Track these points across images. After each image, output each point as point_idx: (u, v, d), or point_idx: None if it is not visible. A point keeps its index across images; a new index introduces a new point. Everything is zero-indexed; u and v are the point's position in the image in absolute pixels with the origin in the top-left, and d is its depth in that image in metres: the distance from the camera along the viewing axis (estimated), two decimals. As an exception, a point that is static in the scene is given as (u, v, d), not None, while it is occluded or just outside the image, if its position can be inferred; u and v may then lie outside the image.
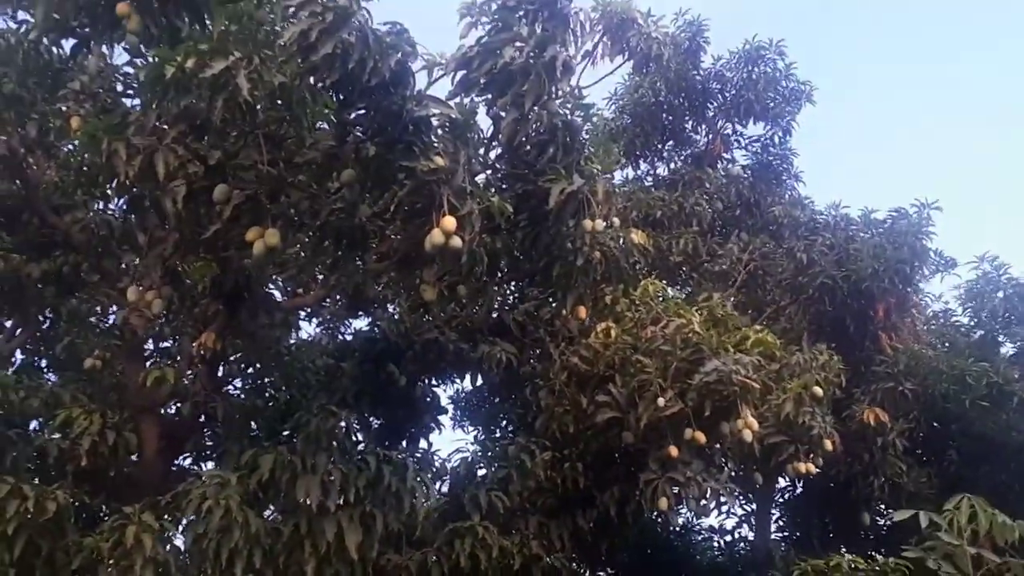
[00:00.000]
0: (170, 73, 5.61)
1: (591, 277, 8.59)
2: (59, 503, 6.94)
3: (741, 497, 12.58)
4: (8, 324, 9.63)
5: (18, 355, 9.95)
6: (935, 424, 12.40)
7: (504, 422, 11.65)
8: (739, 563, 13.30)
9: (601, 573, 10.98)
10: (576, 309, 8.94)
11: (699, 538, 14.34)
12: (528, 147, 8.16)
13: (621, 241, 10.81)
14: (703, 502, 8.87)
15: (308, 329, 11.26)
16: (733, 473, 9.22)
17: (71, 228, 8.26)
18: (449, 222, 6.03)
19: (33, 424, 8.68)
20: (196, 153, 6.18)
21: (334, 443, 8.06)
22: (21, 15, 8.16)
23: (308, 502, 7.60)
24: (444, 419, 11.64)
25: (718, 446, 9.04)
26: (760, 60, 14.30)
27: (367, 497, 7.70)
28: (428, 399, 11.33)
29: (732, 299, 11.87)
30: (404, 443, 11.27)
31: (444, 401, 12.09)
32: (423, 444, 11.30)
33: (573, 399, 9.86)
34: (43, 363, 10.51)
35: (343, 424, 8.16)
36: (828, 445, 9.48)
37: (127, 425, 8.04)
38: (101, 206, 8.80)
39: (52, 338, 10.02)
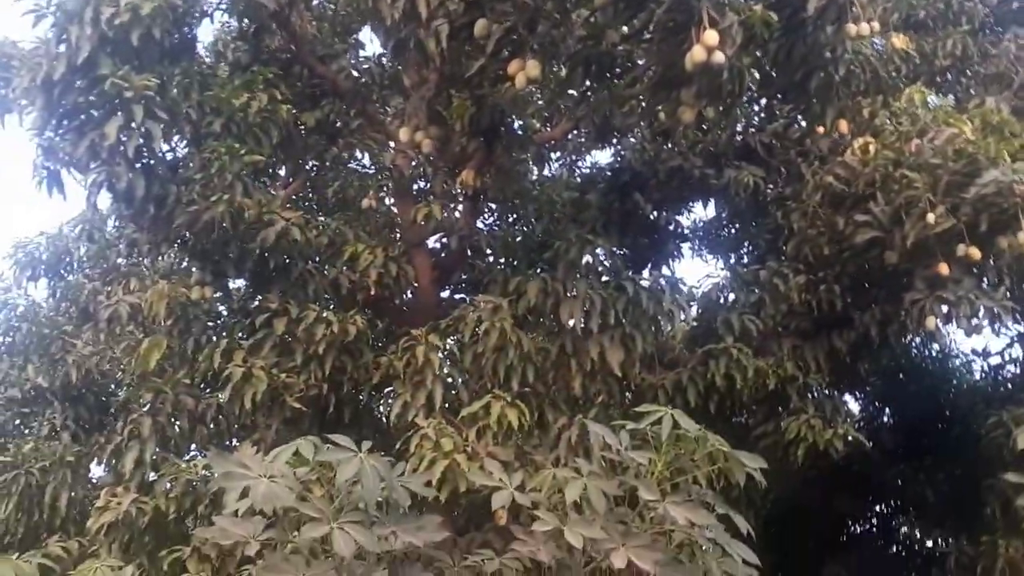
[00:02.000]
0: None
1: (853, 88, 8.09)
2: (358, 327, 7.81)
3: (1018, 315, 11.81)
4: (282, 172, 10.56)
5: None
6: None
7: (751, 248, 11.50)
8: (1005, 386, 12.67)
9: (857, 393, 10.85)
10: (837, 123, 8.51)
11: (958, 362, 13.74)
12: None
13: (880, 47, 10.08)
14: (975, 321, 8.46)
15: (555, 162, 11.50)
16: (1009, 292, 8.64)
17: (337, 76, 8.81)
18: (711, 36, 5.84)
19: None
20: (455, -10, 6.32)
21: (590, 271, 8.40)
22: None
23: (572, 324, 8.07)
24: (687, 247, 11.72)
25: (992, 263, 8.50)
26: None
27: (626, 319, 8.06)
28: (672, 227, 11.40)
29: (1010, 104, 10.75)
30: (649, 270, 11.53)
31: (687, 229, 12.07)
32: (667, 272, 11.54)
33: (828, 220, 9.53)
34: (315, 207, 11.53)
35: (599, 252, 8.45)
36: None
37: (403, 258, 8.76)
38: (362, 54, 9.26)
39: (321, 183, 10.92)
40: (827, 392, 9.91)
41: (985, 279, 8.76)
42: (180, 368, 8.67)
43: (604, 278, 8.40)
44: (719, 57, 5.89)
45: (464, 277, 10.34)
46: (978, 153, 8.36)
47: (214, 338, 8.42)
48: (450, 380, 7.80)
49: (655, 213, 10.78)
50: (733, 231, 11.77)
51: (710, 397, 9.31)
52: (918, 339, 12.13)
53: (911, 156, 8.81)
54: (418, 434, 7.06)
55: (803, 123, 8.93)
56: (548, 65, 7.64)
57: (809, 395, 9.71)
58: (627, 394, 9.18)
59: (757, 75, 8.37)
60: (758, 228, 11.14)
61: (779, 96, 8.55)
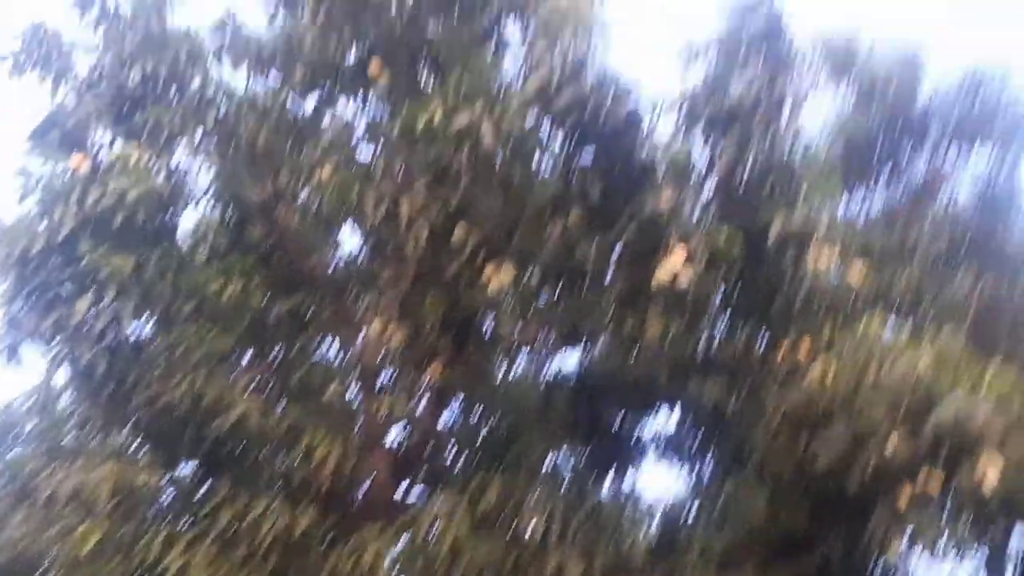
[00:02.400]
0: (422, 125, 6.07)
1: (813, 314, 8.37)
2: (308, 521, 7.52)
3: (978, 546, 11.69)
4: (247, 357, 10.50)
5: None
6: None
7: (716, 461, 11.43)
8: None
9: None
10: (798, 347, 8.71)
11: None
12: (747, 182, 8.14)
13: (839, 275, 10.53)
14: (937, 551, 8.33)
15: (521, 364, 11.56)
16: (969, 522, 8.55)
17: (315, 268, 8.98)
18: (676, 260, 6.11)
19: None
20: (437, 197, 6.59)
21: (552, 475, 8.28)
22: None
23: (530, 532, 7.82)
24: (652, 455, 11.62)
25: (953, 493, 8.46)
26: (983, 87, 13.47)
27: (587, 529, 7.84)
28: (636, 435, 11.35)
29: (965, 336, 11.13)
30: (611, 478, 11.35)
31: (650, 437, 12.00)
32: (629, 480, 11.37)
33: (789, 442, 9.56)
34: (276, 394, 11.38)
35: (563, 457, 8.36)
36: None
37: (361, 452, 8.57)
38: (342, 249, 9.50)
39: (285, 371, 10.82)
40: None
41: (948, 509, 8.69)
42: (116, 555, 8.20)
43: (566, 485, 8.24)
44: (684, 279, 6.12)
45: (424, 473, 10.10)
46: (936, 382, 8.55)
47: (156, 525, 8.03)
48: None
49: (620, 420, 10.74)
50: (697, 442, 11.69)
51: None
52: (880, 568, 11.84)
53: (871, 382, 8.99)
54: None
55: (769, 343, 9.07)
56: (521, 273, 7.89)
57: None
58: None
59: (722, 292, 8.70)
60: (722, 441, 11.13)
61: (741, 315, 8.77)
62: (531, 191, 6.89)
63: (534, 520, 7.69)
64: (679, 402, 10.77)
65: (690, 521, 9.82)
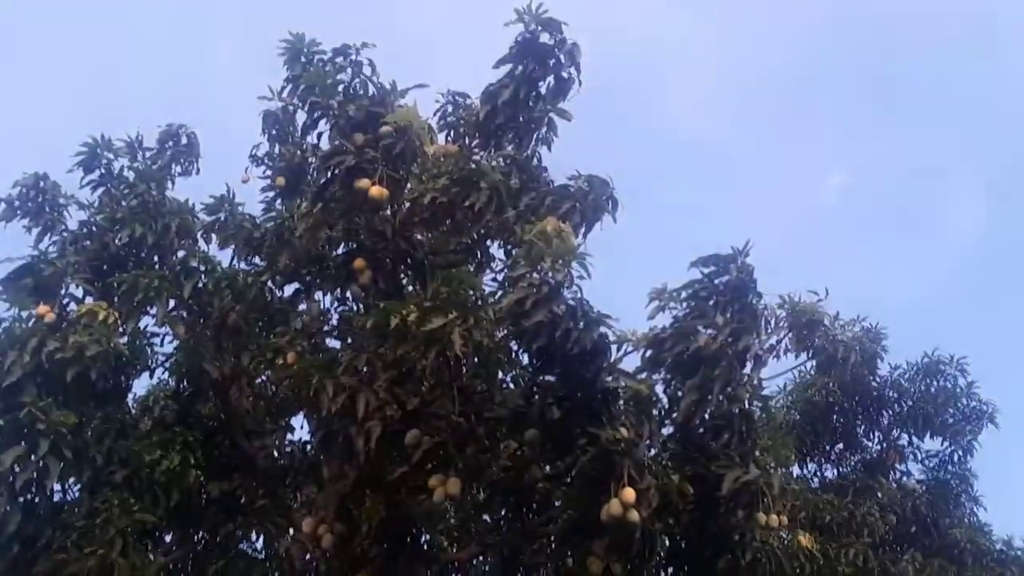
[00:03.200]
0: (394, 323, 6.15)
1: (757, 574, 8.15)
2: None
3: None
4: (168, 537, 9.94)
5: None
6: None
7: None
8: None
9: None
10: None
11: None
12: (703, 430, 8.19)
13: (787, 542, 10.35)
14: None
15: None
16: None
17: (258, 453, 8.72)
18: (629, 493, 6.01)
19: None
20: (396, 397, 6.55)
21: None
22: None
23: None
24: None
25: None
26: (939, 374, 14.05)
27: None
28: None
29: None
30: None
31: None
32: None
33: None
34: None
35: None
36: None
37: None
38: (288, 436, 9.29)
39: (205, 558, 10.23)
40: None
41: None
42: None
43: None
44: (634, 515, 6.01)
45: None
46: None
47: None
48: None
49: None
50: None
51: None
52: None
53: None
54: None
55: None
56: (468, 486, 7.69)
57: None
58: None
59: (667, 543, 8.50)
60: None
61: (687, 563, 8.50)
62: (491, 404, 6.87)
63: None
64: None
65: None
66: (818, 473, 15.01)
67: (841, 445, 15.28)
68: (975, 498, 14.71)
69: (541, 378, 6.65)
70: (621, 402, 6.80)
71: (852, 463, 15.23)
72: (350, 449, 6.93)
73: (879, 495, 13.40)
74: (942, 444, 14.62)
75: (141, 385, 9.22)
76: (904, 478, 14.64)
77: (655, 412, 8.08)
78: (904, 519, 13.28)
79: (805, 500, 12.90)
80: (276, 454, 9.21)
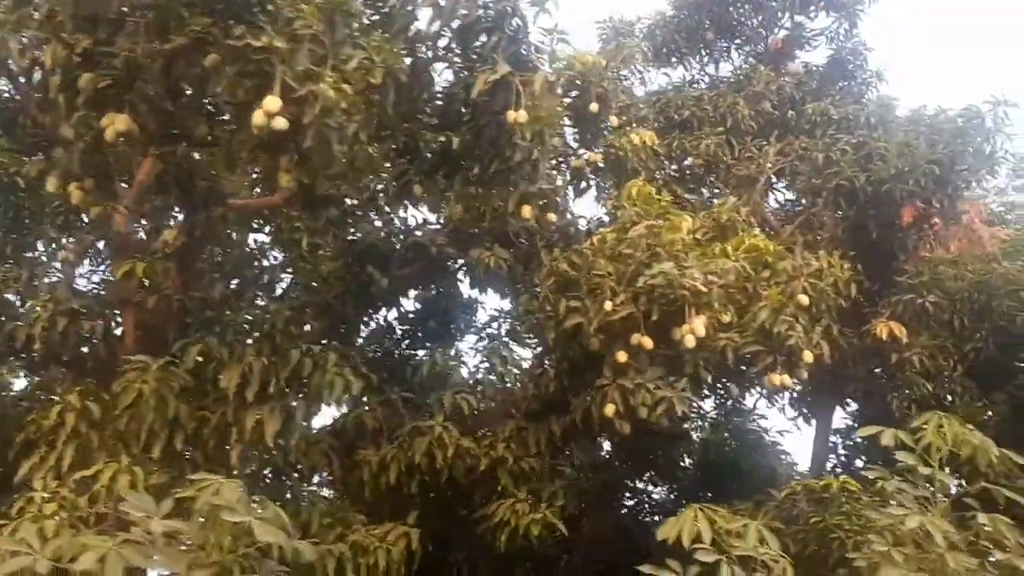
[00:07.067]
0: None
1: (534, 173, 8.25)
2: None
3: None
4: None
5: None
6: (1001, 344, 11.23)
7: (499, 329, 11.57)
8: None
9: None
10: (520, 208, 8.63)
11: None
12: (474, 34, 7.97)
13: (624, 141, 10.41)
14: (658, 410, 8.47)
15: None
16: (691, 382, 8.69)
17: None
18: (272, 102, 5.87)
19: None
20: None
21: (272, 336, 8.26)
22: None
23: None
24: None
25: (671, 353, 8.59)
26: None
27: (290, 388, 7.93)
28: (418, 303, 11.41)
29: (750, 205, 11.10)
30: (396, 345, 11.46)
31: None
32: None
33: (554, 305, 9.64)
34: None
35: (285, 316, 8.29)
36: (808, 357, 8.79)
37: (111, 316, 8.56)
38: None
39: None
40: (540, 472, 9.75)
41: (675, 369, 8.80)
42: None
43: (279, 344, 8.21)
44: (280, 123, 5.92)
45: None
46: (660, 245, 8.55)
47: None
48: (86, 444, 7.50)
49: (397, 287, 10.72)
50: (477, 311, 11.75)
51: (412, 476, 9.20)
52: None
53: (609, 247, 9.00)
54: (25, 497, 6.76)
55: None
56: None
57: (524, 479, 9.61)
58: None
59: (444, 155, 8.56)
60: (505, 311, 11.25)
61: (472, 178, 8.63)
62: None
63: (232, 379, 7.73)
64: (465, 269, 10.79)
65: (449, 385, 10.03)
66: (706, 73, 14.65)
67: (737, 40, 14.78)
68: (878, 73, 14.39)
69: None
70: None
71: (747, 57, 14.79)
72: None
73: (755, 84, 13.12)
74: (831, 21, 14.01)
75: None
76: (790, 64, 14.20)
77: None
78: (779, 104, 13.08)
79: (667, 101, 12.75)
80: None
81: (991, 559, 6.77)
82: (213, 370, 7.89)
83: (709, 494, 12.29)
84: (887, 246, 10.54)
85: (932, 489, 6.95)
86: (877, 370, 11.06)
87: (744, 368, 9.09)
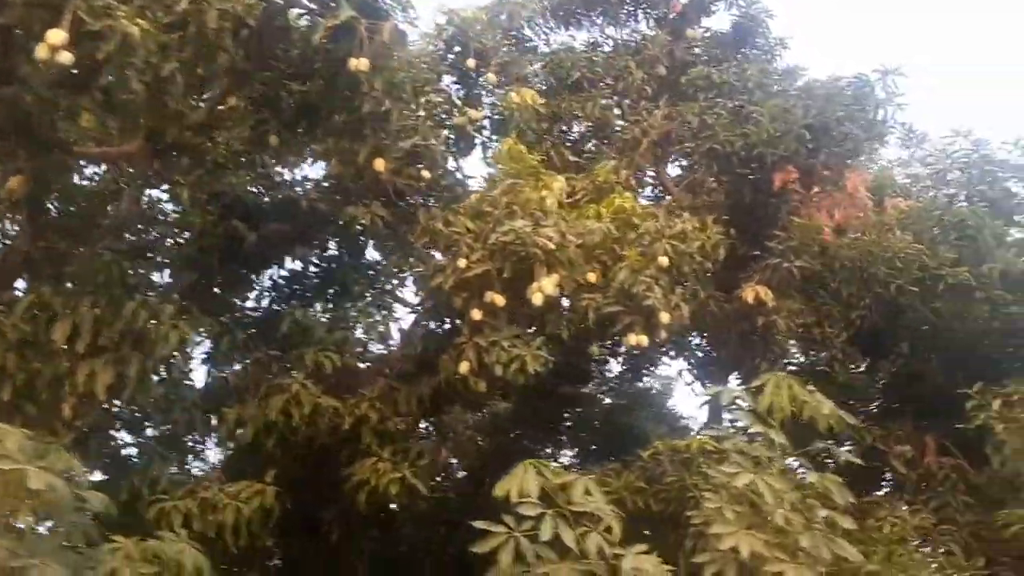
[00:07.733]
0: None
1: (386, 124, 8.06)
2: None
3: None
4: None
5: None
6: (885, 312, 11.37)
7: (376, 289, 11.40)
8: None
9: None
10: (373, 162, 8.45)
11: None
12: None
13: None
14: (512, 367, 8.40)
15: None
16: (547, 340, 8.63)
17: None
18: (55, 35, 5.59)
19: None
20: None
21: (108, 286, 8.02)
22: None
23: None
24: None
25: (530, 312, 8.52)
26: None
27: (123, 341, 7.69)
28: (292, 261, 11.18)
29: (631, 168, 11.06)
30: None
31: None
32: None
33: (425, 263, 9.52)
34: None
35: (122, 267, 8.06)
36: (665, 318, 8.77)
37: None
38: None
39: None
40: (405, 431, 9.66)
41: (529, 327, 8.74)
42: None
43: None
44: (65, 57, 5.65)
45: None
46: (517, 204, 8.46)
47: None
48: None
49: (265, 243, 10.46)
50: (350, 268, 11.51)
51: (269, 434, 9.05)
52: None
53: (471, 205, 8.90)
54: None
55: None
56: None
57: (389, 438, 9.51)
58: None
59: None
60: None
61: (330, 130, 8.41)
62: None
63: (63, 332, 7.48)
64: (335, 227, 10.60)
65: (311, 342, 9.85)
66: (604, 35, 14.45)
67: (645, 5, 14.62)
68: (781, 40, 14.34)
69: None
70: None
71: (648, 21, 14.66)
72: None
73: (650, 48, 12.99)
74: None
75: None
76: (689, 29, 14.04)
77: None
78: (675, 69, 12.98)
79: (557, 61, 12.57)
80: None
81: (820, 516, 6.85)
82: (47, 321, 7.63)
83: (612, 457, 12.34)
84: (762, 211, 10.57)
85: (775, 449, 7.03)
86: (754, 336, 11.11)
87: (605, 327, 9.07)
